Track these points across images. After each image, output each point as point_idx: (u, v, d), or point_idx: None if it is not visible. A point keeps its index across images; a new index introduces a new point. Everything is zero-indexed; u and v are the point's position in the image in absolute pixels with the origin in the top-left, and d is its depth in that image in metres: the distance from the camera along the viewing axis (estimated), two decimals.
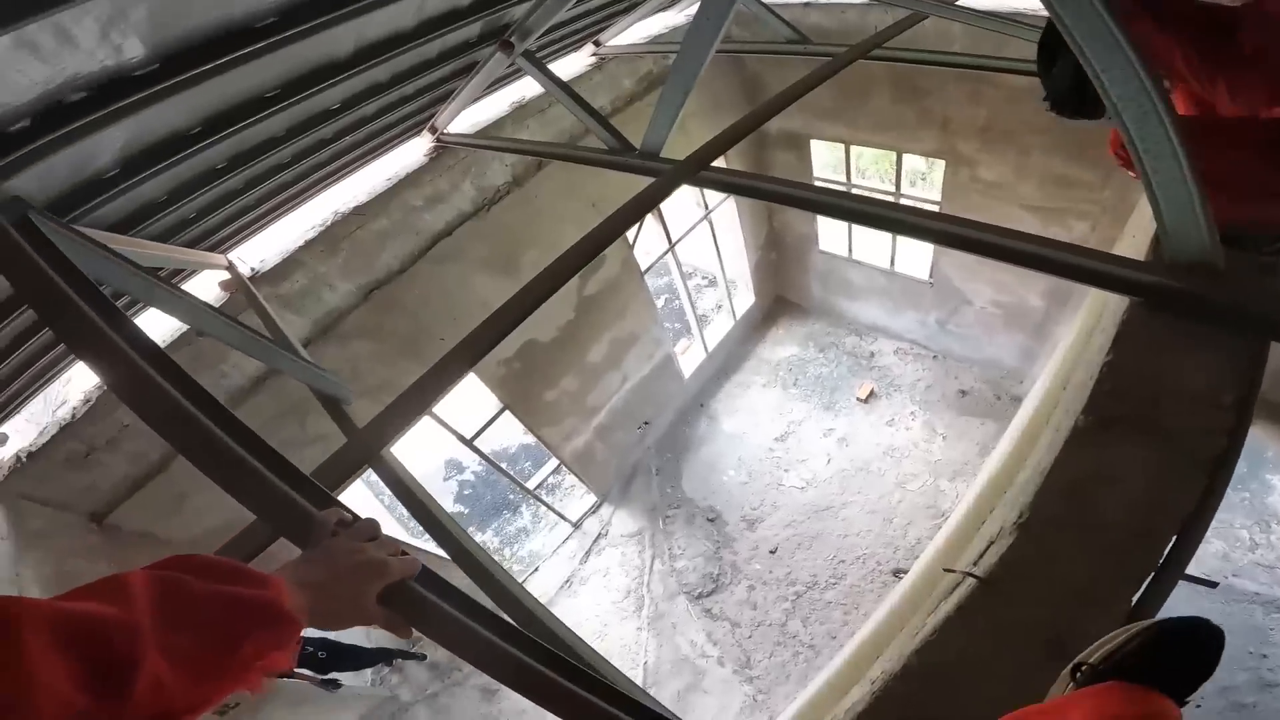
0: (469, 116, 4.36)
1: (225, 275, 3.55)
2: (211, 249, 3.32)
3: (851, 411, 7.50)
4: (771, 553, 6.50)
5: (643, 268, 6.64)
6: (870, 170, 10.45)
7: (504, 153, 4.33)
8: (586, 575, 6.91)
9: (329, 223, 4.00)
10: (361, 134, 3.16)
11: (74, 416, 3.05)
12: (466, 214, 4.74)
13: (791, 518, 6.71)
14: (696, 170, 2.17)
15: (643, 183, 2.24)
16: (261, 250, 3.89)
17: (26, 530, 2.87)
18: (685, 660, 6.04)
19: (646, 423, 7.61)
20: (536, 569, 7.10)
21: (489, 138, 3.87)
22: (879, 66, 3.32)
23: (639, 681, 5.91)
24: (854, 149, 6.56)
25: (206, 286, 3.61)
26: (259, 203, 3.13)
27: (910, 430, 7.14)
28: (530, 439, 6.75)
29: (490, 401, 5.82)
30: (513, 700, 6.07)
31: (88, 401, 3.11)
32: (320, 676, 5.45)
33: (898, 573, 5.94)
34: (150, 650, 0.56)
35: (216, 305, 3.54)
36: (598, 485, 7.32)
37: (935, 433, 7.05)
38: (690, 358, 8.20)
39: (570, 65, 4.79)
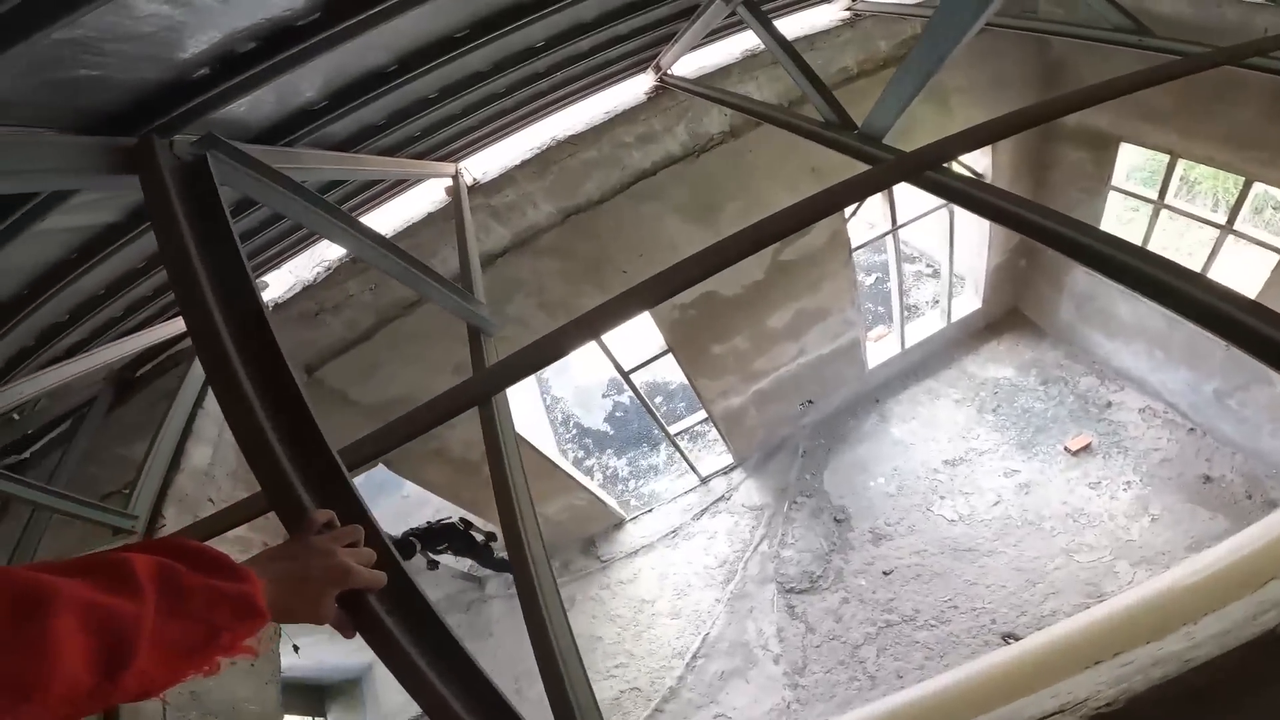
0: (696, 60, 4.17)
1: (449, 182, 3.96)
2: (443, 159, 3.73)
3: (1051, 459, 6.32)
4: (885, 574, 6.00)
5: (854, 244, 6.04)
6: (1202, 188, 8.04)
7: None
8: (693, 532, 6.99)
9: (544, 148, 4.22)
10: (579, 68, 3.20)
11: (315, 280, 3.74)
12: (675, 157, 4.66)
13: (924, 546, 6.07)
14: (920, 168, 1.79)
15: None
16: (485, 164, 4.25)
17: None
18: (744, 645, 5.99)
19: (810, 401, 7.23)
20: (650, 510, 7.32)
21: (705, 86, 3.66)
22: (1256, 75, 2.41)
23: (691, 650, 6.08)
24: (1182, 162, 5.06)
25: (431, 192, 4.02)
26: (481, 125, 3.38)
27: (1115, 500, 5.86)
28: (672, 384, 6.77)
29: (657, 339, 5.93)
30: (584, 619, 6.60)
31: (327, 269, 3.78)
32: (431, 555, 6.00)
33: (1008, 637, 5.15)
34: (146, 642, 0.61)
35: (437, 208, 4.02)
36: (738, 448, 7.24)
37: (1145, 511, 5.71)
38: (881, 348, 7.47)
39: (817, 17, 4.28)
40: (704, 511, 7.11)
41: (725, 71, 4.26)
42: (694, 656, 6.07)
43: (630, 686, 6.09)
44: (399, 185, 3.55)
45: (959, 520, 6.16)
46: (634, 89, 4.13)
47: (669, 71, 3.88)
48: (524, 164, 4.23)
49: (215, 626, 0.69)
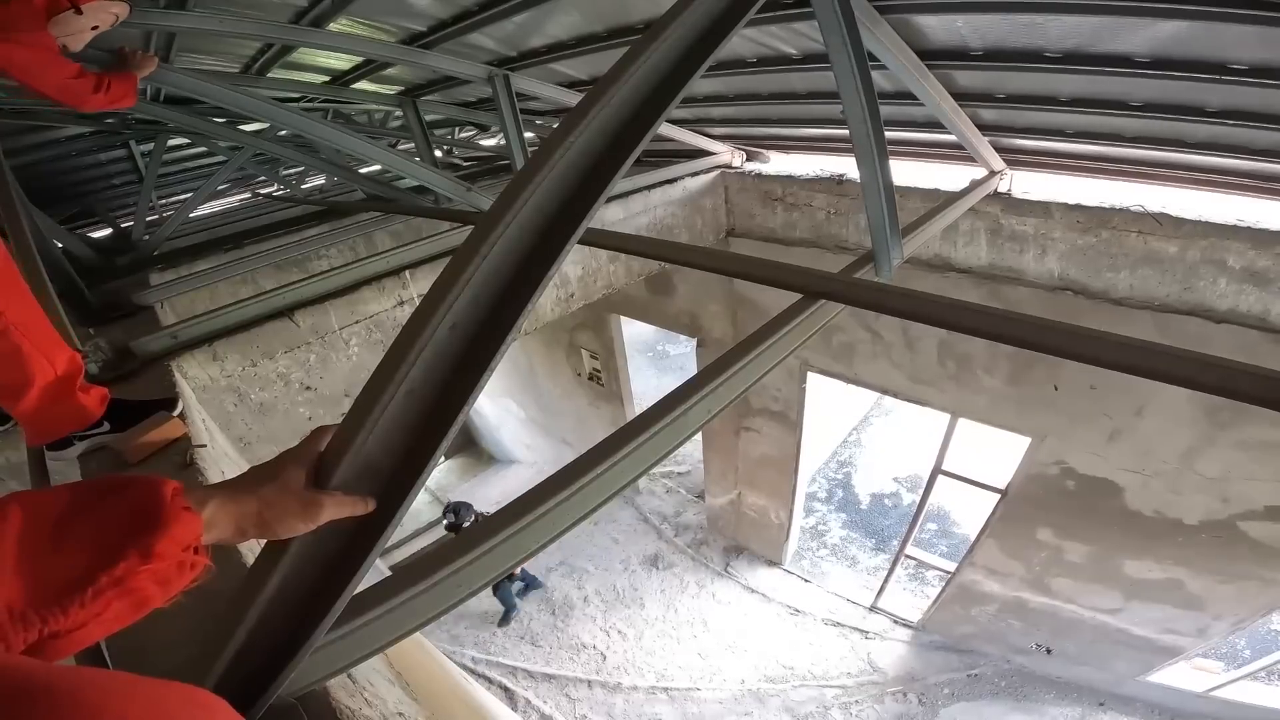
0: None
1: (984, 172, 3.47)
2: (1003, 152, 3.27)
3: None
4: None
5: None
6: None
7: None
8: (811, 629, 6.70)
9: (1113, 207, 3.36)
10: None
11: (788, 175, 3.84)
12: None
13: None
14: None
15: None
16: (1031, 184, 3.60)
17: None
18: None
19: (1049, 651, 5.54)
20: (806, 581, 7.24)
21: None
22: None
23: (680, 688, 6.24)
24: None
25: (966, 171, 3.59)
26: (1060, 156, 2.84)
27: None
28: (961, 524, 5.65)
29: (999, 473, 4.83)
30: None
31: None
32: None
33: None
34: (6, 584, 0.56)
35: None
36: (935, 619, 6.27)
37: None
38: (1190, 674, 5.05)
39: None
40: (838, 625, 6.62)
41: None
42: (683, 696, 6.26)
43: (654, 685, 6.40)
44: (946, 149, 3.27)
45: None
46: None
47: None
48: (1074, 208, 3.46)
49: (109, 543, 0.62)
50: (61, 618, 0.58)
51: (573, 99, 3.79)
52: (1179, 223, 3.11)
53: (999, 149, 3.37)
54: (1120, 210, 3.32)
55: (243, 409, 2.48)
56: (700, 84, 3.09)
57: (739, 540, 7.70)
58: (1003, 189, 3.61)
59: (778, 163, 4.61)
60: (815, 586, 7.19)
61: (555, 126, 1.13)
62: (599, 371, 8.04)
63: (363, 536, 0.89)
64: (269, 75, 3.99)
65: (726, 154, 4.58)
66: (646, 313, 6.80)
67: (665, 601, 7.33)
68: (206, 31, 2.45)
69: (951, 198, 3.03)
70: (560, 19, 2.88)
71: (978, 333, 1.54)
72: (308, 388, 2.64)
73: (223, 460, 2.01)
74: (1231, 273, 3.08)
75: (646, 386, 9.73)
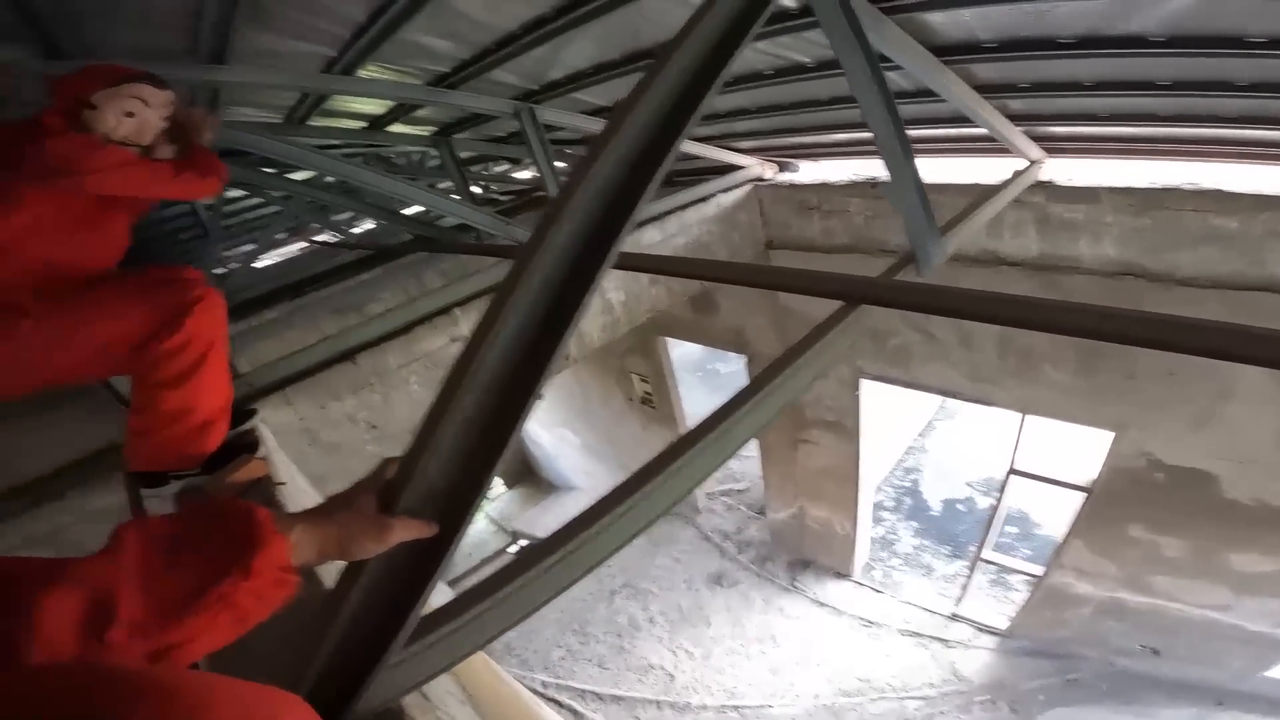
0: None
1: (1023, 163, 3.38)
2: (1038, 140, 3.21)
3: None
4: None
5: None
6: None
7: None
8: (885, 640, 6.43)
9: (1163, 187, 3.22)
10: None
11: (821, 182, 3.83)
12: None
13: None
14: None
15: None
16: (1076, 171, 3.50)
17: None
18: None
19: (1156, 651, 5.11)
20: (879, 591, 7.00)
21: None
22: None
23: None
24: None
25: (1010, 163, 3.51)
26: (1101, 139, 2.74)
27: None
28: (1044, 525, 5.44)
29: (1083, 470, 4.59)
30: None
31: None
32: None
33: None
34: (129, 594, 0.62)
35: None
36: (1023, 623, 5.87)
37: None
38: None
39: None
40: (916, 635, 6.30)
41: None
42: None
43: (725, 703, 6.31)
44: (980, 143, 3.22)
45: None
46: None
47: None
48: (1123, 191, 3.33)
49: (214, 564, 0.69)
50: (176, 630, 0.65)
51: (597, 125, 3.92)
52: (1235, 198, 2.96)
53: (1034, 138, 3.29)
54: (1171, 190, 3.18)
55: (316, 449, 2.64)
56: (722, 100, 3.16)
57: (804, 554, 7.53)
58: (1045, 178, 3.51)
59: (809, 171, 4.61)
60: (889, 597, 6.95)
61: (581, 156, 1.19)
62: (650, 395, 8.10)
63: (428, 557, 0.96)
64: (309, 123, 4.22)
65: (757, 167, 4.61)
66: (693, 332, 6.82)
67: (732, 619, 7.21)
68: (247, 84, 2.65)
69: (991, 191, 2.97)
70: (576, 49, 2.99)
71: (1032, 325, 1.52)
72: (373, 426, 2.80)
73: (300, 496, 2.15)
74: None
75: (699, 406, 9.67)
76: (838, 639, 6.64)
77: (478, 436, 0.96)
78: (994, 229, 3.76)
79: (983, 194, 2.87)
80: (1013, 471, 5.15)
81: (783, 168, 4.69)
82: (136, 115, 1.66)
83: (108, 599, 0.60)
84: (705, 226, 4.30)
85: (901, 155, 2.01)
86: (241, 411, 2.09)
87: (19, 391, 1.64)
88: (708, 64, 1.13)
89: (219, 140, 2.18)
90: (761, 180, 4.65)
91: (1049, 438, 4.97)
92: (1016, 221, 3.68)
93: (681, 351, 8.19)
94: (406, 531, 0.89)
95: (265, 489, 1.95)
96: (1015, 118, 3.03)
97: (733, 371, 11.41)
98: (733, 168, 4.55)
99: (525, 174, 7.63)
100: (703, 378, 11.85)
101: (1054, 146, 3.40)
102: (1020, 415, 4.68)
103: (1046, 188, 3.53)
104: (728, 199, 4.46)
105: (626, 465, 9.65)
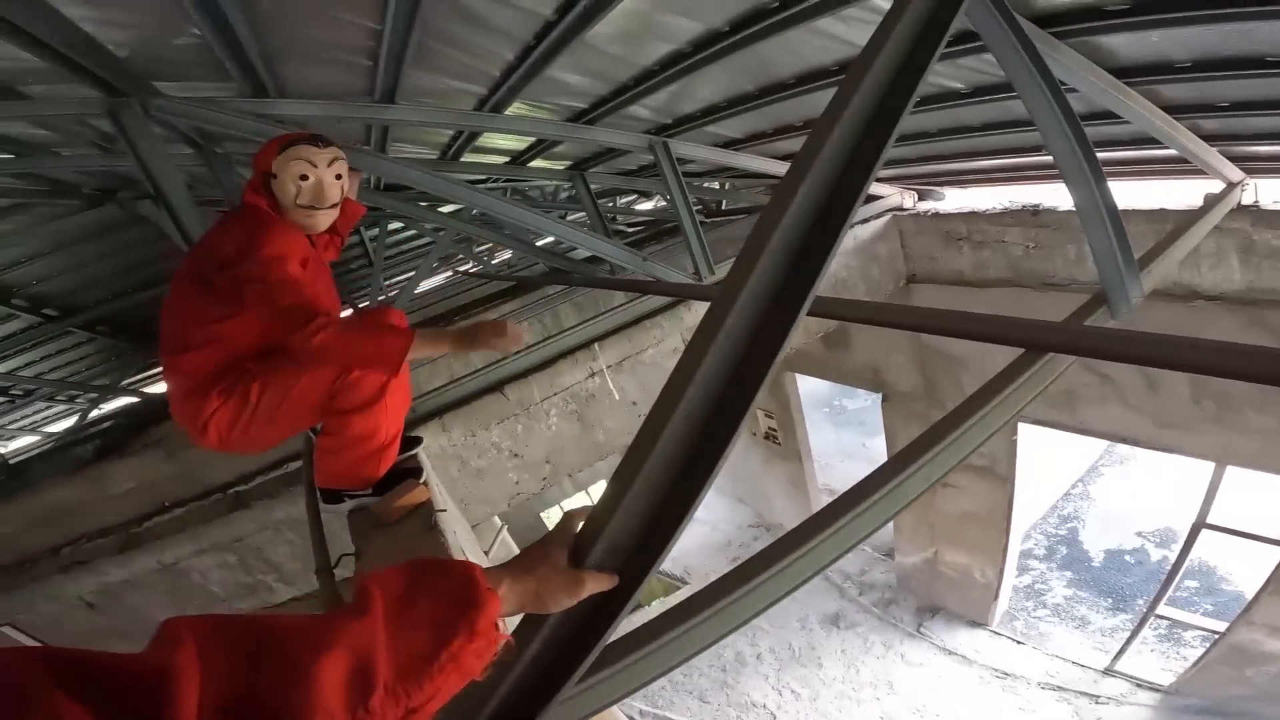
0: None
1: (1221, 184, 2.96)
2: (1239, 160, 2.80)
3: None
4: None
5: None
6: None
7: None
8: (1021, 693, 5.81)
9: None
10: None
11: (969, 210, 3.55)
12: None
13: None
14: None
15: None
16: None
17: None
18: None
19: None
20: (1020, 643, 6.43)
21: None
22: None
23: None
24: None
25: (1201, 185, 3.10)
26: None
27: None
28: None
29: None
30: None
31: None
32: None
33: None
34: (384, 657, 0.61)
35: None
36: (1192, 680, 5.23)
37: None
38: None
39: None
40: (1059, 689, 5.70)
41: None
42: None
43: None
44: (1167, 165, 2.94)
45: None
46: None
47: None
48: None
49: (443, 624, 0.68)
50: (419, 693, 0.62)
51: (729, 158, 3.92)
52: None
53: (1231, 158, 2.87)
54: None
55: (464, 474, 2.82)
56: None
57: (934, 600, 6.97)
58: (1247, 201, 3.05)
59: (954, 199, 4.32)
60: (1031, 648, 6.33)
61: (763, 207, 1.19)
62: (774, 430, 7.95)
63: (605, 609, 0.97)
64: (461, 160, 4.49)
65: (896, 196, 4.38)
66: (823, 369, 6.59)
67: (846, 661, 6.78)
68: (410, 123, 2.90)
69: (1191, 217, 2.60)
70: (709, 83, 2.98)
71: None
72: (515, 455, 2.95)
73: (454, 522, 2.29)
74: None
75: (824, 442, 9.31)
76: (965, 689, 6.09)
77: (664, 495, 0.96)
78: (1189, 259, 3.31)
79: (1182, 221, 2.53)
80: (1202, 525, 4.51)
81: (923, 196, 4.43)
82: (310, 177, 1.77)
83: (368, 664, 0.59)
84: (842, 260, 4.14)
85: (1091, 181, 1.80)
86: (408, 439, 2.25)
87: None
88: (897, 85, 1.08)
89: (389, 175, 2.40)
90: (901, 210, 4.42)
91: (1238, 488, 4.46)
92: (1216, 250, 3.22)
93: (808, 386, 7.95)
94: (596, 585, 0.90)
95: (427, 513, 2.09)
96: (1209, 138, 2.68)
97: (861, 408, 10.87)
98: (870, 197, 4.37)
99: (646, 205, 7.81)
100: (829, 414, 11.39)
101: (1255, 167, 2.95)
102: (1214, 465, 4.08)
103: (1251, 211, 3.07)
104: (865, 231, 4.27)
105: (745, 499, 9.50)
